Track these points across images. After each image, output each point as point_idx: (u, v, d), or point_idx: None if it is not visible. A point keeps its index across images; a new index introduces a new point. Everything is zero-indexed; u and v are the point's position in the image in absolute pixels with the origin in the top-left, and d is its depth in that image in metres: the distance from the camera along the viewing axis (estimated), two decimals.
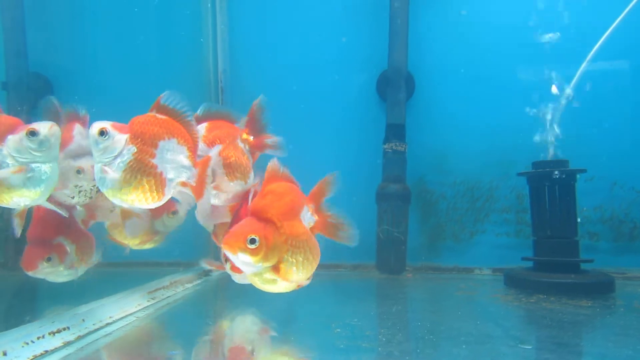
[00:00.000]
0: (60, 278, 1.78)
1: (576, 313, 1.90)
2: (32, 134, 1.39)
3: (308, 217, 1.41)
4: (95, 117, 1.67)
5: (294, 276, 1.31)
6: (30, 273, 1.66)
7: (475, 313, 2.00)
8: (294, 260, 1.29)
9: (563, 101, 2.84)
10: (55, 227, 1.71)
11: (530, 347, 1.46)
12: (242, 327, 1.84)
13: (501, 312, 2.01)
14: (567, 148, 2.79)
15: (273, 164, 1.37)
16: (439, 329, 1.66)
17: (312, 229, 1.43)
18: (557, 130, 2.81)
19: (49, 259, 1.68)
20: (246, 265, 1.26)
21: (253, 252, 1.22)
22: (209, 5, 3.34)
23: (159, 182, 1.38)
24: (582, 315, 1.88)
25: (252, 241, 1.21)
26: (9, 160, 1.39)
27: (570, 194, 2.56)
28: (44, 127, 1.40)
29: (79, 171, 1.62)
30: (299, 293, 2.42)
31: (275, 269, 1.28)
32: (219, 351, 1.52)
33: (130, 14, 3.36)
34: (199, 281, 2.70)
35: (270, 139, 1.76)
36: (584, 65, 2.84)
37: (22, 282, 1.89)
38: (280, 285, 1.33)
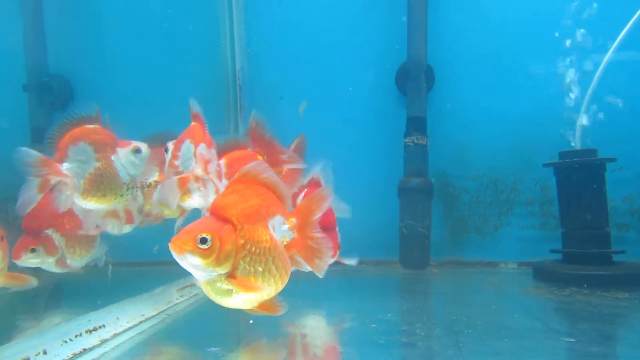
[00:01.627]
0: (55, 269, 1.81)
1: (615, 305, 1.86)
2: (137, 151, 1.62)
3: (282, 230, 1.27)
4: (116, 118, 1.72)
5: (252, 288, 1.14)
6: (16, 262, 1.69)
7: (510, 306, 1.97)
8: (252, 269, 1.13)
9: (588, 90, 2.78)
10: (48, 219, 1.74)
11: (574, 340, 1.42)
12: (272, 324, 1.82)
13: (536, 305, 1.97)
14: (593, 137, 2.74)
15: (251, 166, 1.24)
16: (475, 323, 1.63)
17: (288, 246, 1.29)
18: (582, 120, 2.76)
19: (32, 250, 1.70)
20: (195, 269, 1.09)
21: (203, 254, 1.06)
22: (226, 3, 3.33)
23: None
24: (621, 307, 1.84)
25: (203, 241, 1.05)
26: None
27: (600, 184, 2.51)
28: (144, 147, 1.63)
29: None
30: (324, 289, 2.40)
31: (231, 277, 1.11)
32: (254, 347, 1.51)
33: (147, 16, 3.36)
34: None
35: (285, 154, 1.74)
36: (609, 53, 2.77)
37: (55, 281, 1.90)
38: (237, 299, 1.15)
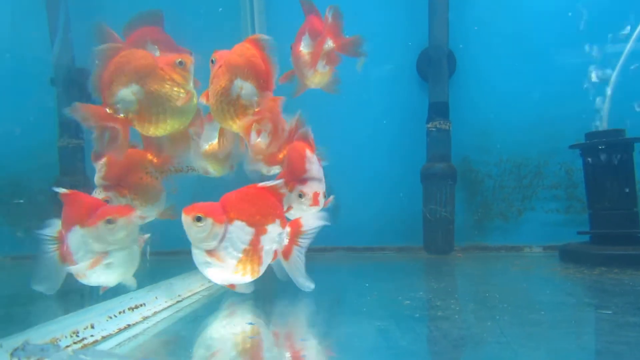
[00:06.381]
0: None
1: None
2: None
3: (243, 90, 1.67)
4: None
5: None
6: None
7: (541, 285, 1.97)
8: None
9: (613, 73, 2.74)
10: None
11: (610, 312, 1.42)
12: (304, 302, 1.85)
13: (567, 283, 1.97)
14: (618, 121, 2.70)
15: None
16: (509, 299, 1.64)
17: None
18: (607, 102, 2.72)
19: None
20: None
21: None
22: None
23: None
24: None
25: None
26: None
27: (628, 164, 2.49)
28: None
29: None
30: (350, 273, 2.42)
31: None
32: (288, 322, 1.54)
33: (169, 13, 3.39)
34: None
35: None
36: (634, 36, 2.73)
37: None
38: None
